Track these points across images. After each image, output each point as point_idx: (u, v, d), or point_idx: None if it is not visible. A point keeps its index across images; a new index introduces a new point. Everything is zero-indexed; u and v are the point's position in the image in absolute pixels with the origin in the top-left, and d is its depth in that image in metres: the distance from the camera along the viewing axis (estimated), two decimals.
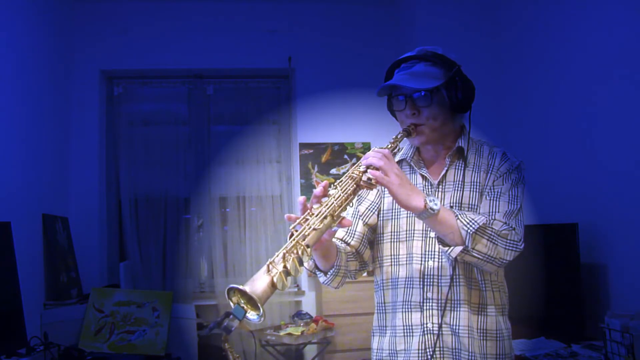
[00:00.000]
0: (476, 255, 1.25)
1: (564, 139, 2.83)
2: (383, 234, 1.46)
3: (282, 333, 3.45)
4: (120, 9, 4.02)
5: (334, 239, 1.39)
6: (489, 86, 3.44)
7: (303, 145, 4.13)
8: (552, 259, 2.58)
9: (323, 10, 4.21)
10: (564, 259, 2.52)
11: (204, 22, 4.09)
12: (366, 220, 1.46)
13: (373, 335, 1.50)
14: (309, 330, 3.43)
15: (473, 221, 1.25)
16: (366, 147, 4.11)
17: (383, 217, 1.46)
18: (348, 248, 1.44)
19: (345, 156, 4.10)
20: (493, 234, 1.26)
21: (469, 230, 1.24)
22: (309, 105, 4.12)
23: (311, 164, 4.11)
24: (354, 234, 1.45)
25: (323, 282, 1.41)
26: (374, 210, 1.47)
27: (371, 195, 1.49)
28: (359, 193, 1.49)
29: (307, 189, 4.04)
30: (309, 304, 4.00)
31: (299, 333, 3.40)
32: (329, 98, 4.08)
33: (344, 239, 1.45)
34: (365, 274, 1.55)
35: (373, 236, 1.48)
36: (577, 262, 2.45)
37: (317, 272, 1.40)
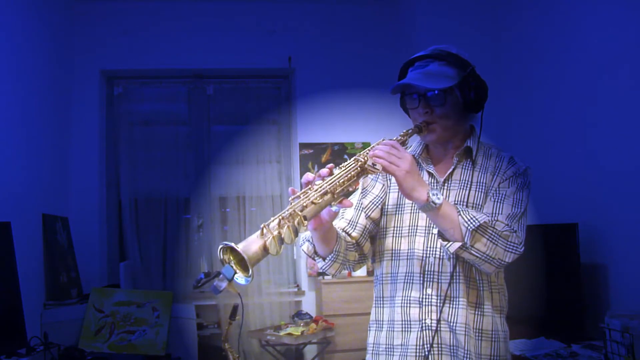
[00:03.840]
0: (475, 253, 1.26)
1: (564, 139, 2.83)
2: (386, 228, 1.46)
3: (282, 333, 3.45)
4: (120, 9, 4.02)
5: (335, 227, 1.40)
6: (489, 86, 3.43)
7: (303, 145, 4.13)
8: (552, 259, 2.58)
9: (323, 10, 4.21)
10: (564, 259, 2.52)
11: (204, 22, 4.09)
12: (369, 213, 1.47)
13: (370, 330, 1.50)
14: (309, 330, 3.43)
15: (474, 219, 1.25)
16: (366, 147, 4.10)
17: (387, 212, 1.47)
18: (349, 238, 1.44)
19: (345, 156, 4.10)
20: (494, 233, 1.26)
21: (469, 227, 1.24)
22: (309, 105, 4.12)
23: (311, 164, 4.11)
24: (356, 225, 1.46)
25: (321, 268, 1.41)
26: (377, 204, 1.47)
27: (376, 189, 1.49)
28: (365, 186, 1.50)
29: None
30: (309, 304, 4.00)
31: (299, 333, 3.40)
32: (329, 98, 4.08)
33: (345, 229, 1.45)
34: (364, 273, 1.55)
35: (375, 230, 1.49)
36: (577, 262, 2.45)
37: (316, 258, 1.40)
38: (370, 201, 1.48)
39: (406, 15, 4.00)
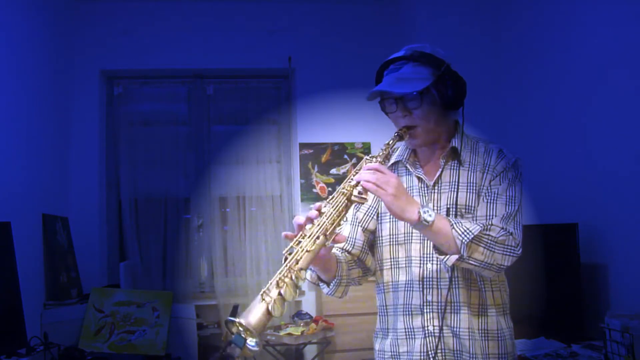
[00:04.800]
0: (473, 262, 1.26)
1: (564, 139, 2.83)
2: (382, 237, 1.46)
3: (282, 333, 3.45)
4: (121, 9, 4.02)
5: (334, 251, 1.39)
6: (489, 86, 3.44)
7: (303, 145, 4.13)
8: (552, 259, 2.58)
9: (323, 10, 4.21)
10: (564, 259, 2.52)
11: (204, 22, 4.08)
12: (365, 226, 1.46)
13: (376, 337, 1.50)
14: (309, 330, 3.43)
15: (468, 231, 1.24)
16: (366, 147, 4.11)
17: (381, 220, 1.46)
18: (349, 257, 1.44)
19: (345, 156, 4.10)
20: (490, 241, 1.26)
21: (463, 240, 1.24)
22: (309, 105, 4.12)
23: (311, 164, 4.10)
24: (354, 242, 1.45)
25: (327, 293, 1.41)
26: (372, 215, 1.47)
27: (369, 200, 1.49)
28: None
29: (307, 189, 4.04)
30: (309, 304, 4.00)
31: (299, 333, 3.40)
32: (329, 98, 4.07)
33: (344, 248, 1.44)
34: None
35: (374, 240, 1.48)
36: (577, 262, 2.45)
37: (320, 284, 1.40)
38: (365, 213, 1.47)
39: (406, 15, 4.00)
